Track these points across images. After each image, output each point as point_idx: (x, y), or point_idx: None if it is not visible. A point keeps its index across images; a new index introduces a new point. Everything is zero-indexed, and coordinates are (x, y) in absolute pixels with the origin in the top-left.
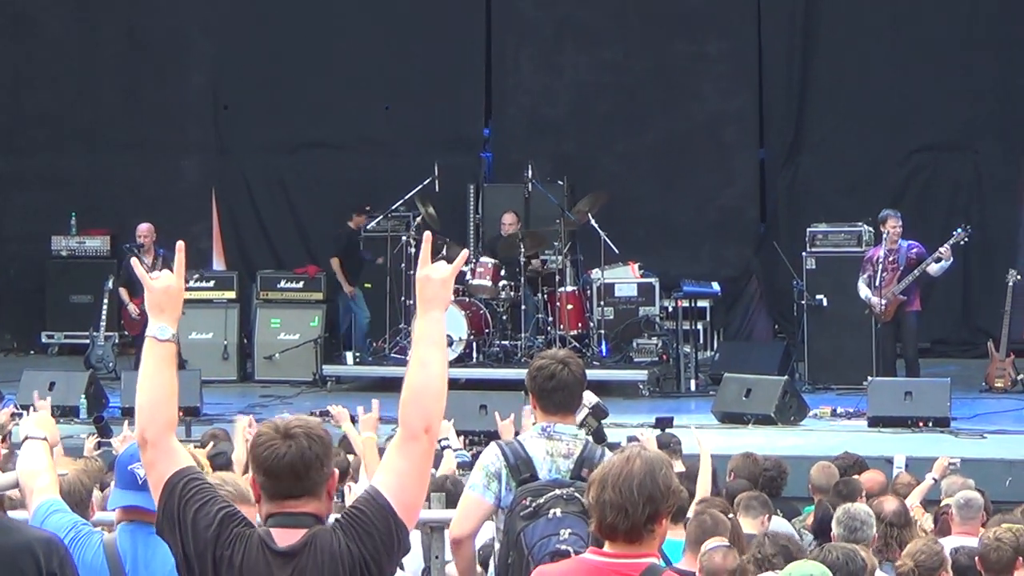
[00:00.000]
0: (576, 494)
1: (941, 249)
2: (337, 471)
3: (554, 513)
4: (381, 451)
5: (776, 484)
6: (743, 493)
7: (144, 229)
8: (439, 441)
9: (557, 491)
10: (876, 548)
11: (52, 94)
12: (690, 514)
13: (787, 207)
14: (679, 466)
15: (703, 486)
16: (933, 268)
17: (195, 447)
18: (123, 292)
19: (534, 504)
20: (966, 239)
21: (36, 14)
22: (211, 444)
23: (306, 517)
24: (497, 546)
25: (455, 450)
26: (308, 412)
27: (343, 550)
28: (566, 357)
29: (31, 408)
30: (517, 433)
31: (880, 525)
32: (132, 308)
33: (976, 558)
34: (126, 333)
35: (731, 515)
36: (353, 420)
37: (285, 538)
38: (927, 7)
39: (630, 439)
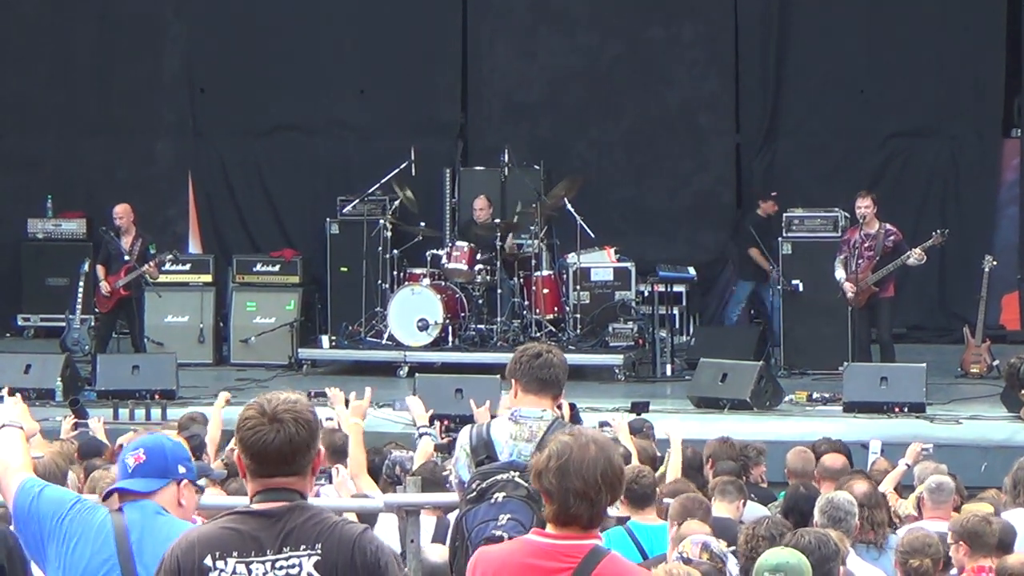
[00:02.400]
0: (519, 480)
1: (915, 251)
2: (323, 450)
3: (496, 498)
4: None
5: (748, 467)
6: (718, 478)
7: (120, 210)
8: (419, 428)
9: (503, 475)
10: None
11: (24, 75)
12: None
13: (763, 192)
14: (644, 447)
15: (674, 475)
16: (910, 261)
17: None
18: (100, 270)
19: (479, 488)
20: (942, 242)
21: None
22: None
23: (291, 492)
24: None
25: (428, 433)
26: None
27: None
28: (550, 345)
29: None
30: (493, 417)
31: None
32: (104, 285)
33: (959, 540)
34: (96, 310)
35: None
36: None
37: (270, 505)
38: None
39: (602, 424)
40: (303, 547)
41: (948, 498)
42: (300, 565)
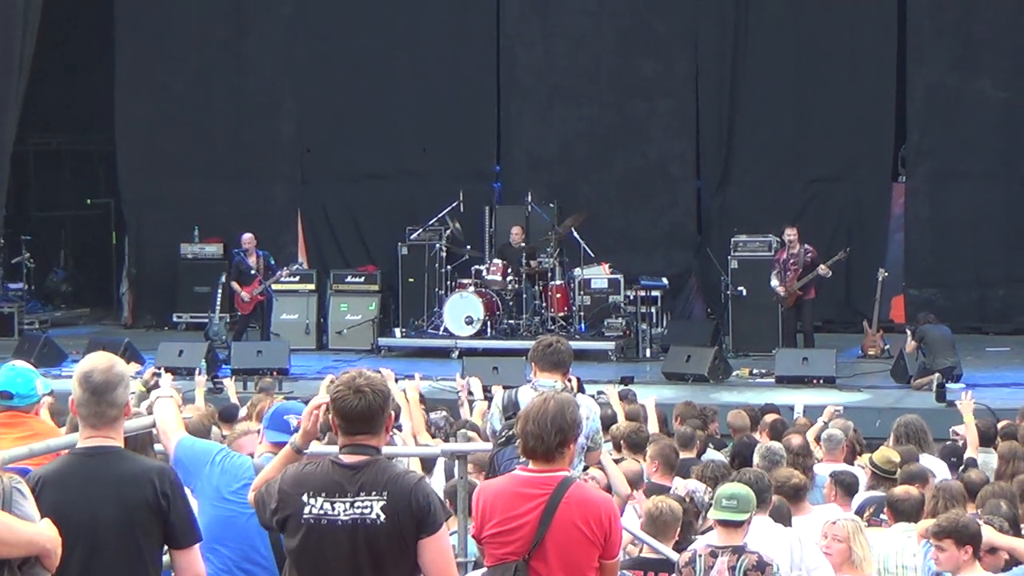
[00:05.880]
0: None
1: (821, 267)
2: (393, 413)
3: (519, 442)
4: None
5: (707, 423)
6: (682, 429)
7: (247, 238)
8: (459, 395)
9: None
10: None
11: (177, 136)
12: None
13: (717, 223)
14: (634, 410)
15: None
16: (821, 271)
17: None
18: (235, 284)
19: (507, 434)
20: (845, 256)
21: (166, 79)
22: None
23: (369, 448)
24: None
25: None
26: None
27: (412, 475)
28: (560, 336)
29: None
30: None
31: (788, 455)
32: (245, 294)
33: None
34: (238, 313)
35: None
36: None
37: (353, 459)
38: (822, 72)
39: (599, 392)
40: (374, 492)
41: (838, 446)
42: (371, 506)
